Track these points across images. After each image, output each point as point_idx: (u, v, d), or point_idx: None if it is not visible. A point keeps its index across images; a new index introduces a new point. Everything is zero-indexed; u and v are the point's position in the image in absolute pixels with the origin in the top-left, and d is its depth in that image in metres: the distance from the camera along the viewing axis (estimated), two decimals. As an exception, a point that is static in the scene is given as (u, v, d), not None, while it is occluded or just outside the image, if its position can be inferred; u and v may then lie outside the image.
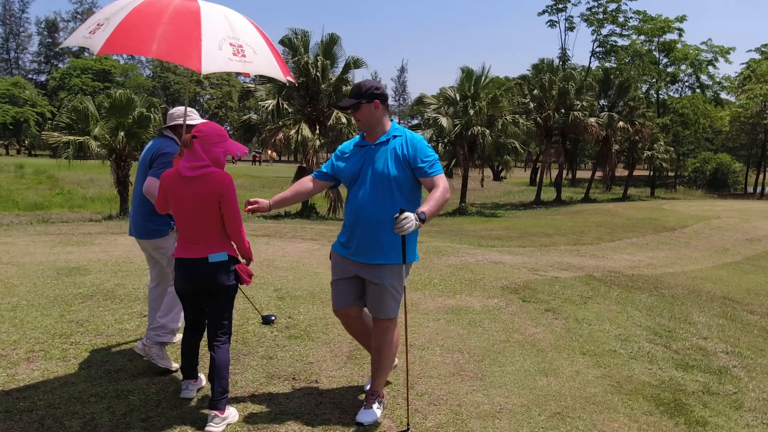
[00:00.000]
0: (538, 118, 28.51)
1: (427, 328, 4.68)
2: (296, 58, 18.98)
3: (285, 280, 6.11)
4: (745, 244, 13.07)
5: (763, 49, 46.47)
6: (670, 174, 45.76)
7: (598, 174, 35.90)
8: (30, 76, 70.44)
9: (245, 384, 3.47)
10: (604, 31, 47.24)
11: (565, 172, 34.84)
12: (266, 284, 5.84)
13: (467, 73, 23.70)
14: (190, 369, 3.24)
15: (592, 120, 28.30)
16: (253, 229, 10.56)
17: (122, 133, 15.83)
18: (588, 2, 61.49)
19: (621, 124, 30.42)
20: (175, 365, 3.54)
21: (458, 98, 23.76)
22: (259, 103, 19.32)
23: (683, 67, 46.01)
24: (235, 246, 3.09)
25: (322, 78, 18.97)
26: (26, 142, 57.86)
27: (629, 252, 10.80)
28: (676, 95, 47.31)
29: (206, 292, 3.02)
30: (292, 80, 3.52)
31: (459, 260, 7.90)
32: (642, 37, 45.45)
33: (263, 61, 3.20)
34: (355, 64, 19.51)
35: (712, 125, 46.30)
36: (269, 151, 38.53)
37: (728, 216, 19.19)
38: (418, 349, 4.19)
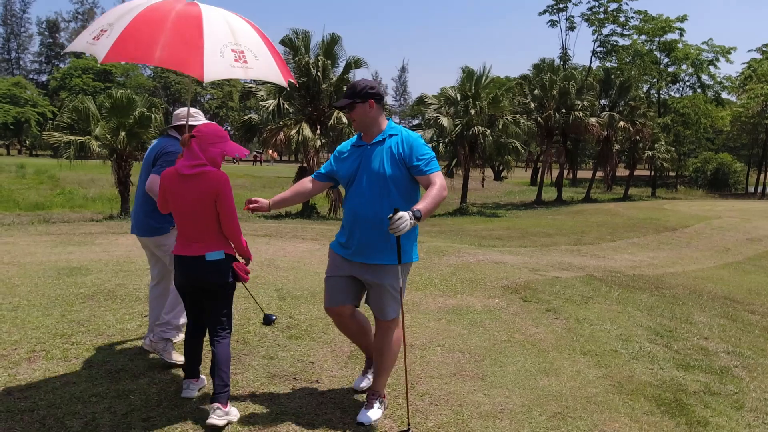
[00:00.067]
0: (539, 118, 28.51)
1: (428, 328, 4.68)
2: (297, 58, 18.99)
3: (286, 280, 6.12)
4: (747, 244, 13.07)
5: (764, 48, 46.42)
6: (671, 174, 45.69)
7: (599, 174, 35.88)
8: (31, 76, 70.54)
9: (246, 384, 3.47)
10: (605, 31, 47.24)
11: (565, 172, 34.87)
12: (267, 284, 5.84)
13: (468, 73, 23.70)
14: (191, 368, 3.25)
15: (593, 120, 28.30)
16: (254, 229, 10.57)
17: (123, 133, 15.84)
18: (589, 2, 61.39)
19: (622, 123, 30.41)
20: (181, 358, 3.56)
21: (459, 98, 23.76)
22: (260, 103, 19.34)
23: (684, 66, 45.97)
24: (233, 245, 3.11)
25: (323, 78, 18.97)
26: (27, 142, 57.95)
27: (630, 252, 10.79)
28: (677, 95, 47.30)
29: (204, 289, 3.07)
30: (293, 81, 3.52)
31: (460, 260, 7.90)
32: (643, 37, 45.40)
33: (264, 65, 3.21)
34: (356, 64, 19.52)
35: (713, 125, 46.27)
36: (270, 151, 38.59)
37: (729, 216, 19.18)
38: (419, 349, 4.19)
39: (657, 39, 44.63)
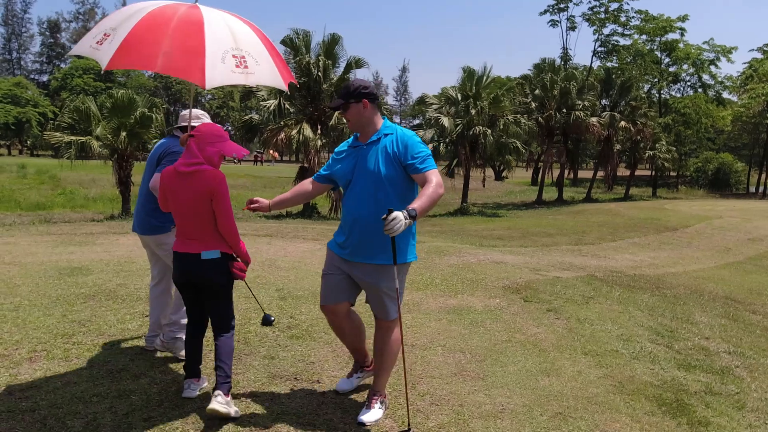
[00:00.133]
0: (540, 118, 28.50)
1: (429, 328, 4.68)
2: (298, 58, 19.00)
3: (287, 280, 6.12)
4: (748, 243, 13.06)
5: (765, 48, 46.29)
6: (672, 174, 45.65)
7: (600, 174, 35.88)
8: (32, 76, 70.61)
9: (247, 384, 3.47)
10: (606, 31, 47.17)
11: (566, 171, 34.84)
12: (268, 284, 5.85)
13: (469, 73, 23.70)
14: (192, 367, 3.25)
15: (594, 120, 28.29)
16: (255, 229, 10.57)
17: (124, 134, 15.87)
18: (590, 2, 61.44)
19: (623, 123, 30.39)
20: None
21: (460, 98, 23.76)
22: (261, 102, 19.35)
23: (685, 66, 45.85)
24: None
25: (324, 78, 18.98)
26: (28, 142, 58.02)
27: (631, 252, 10.79)
28: (678, 95, 47.21)
29: (200, 287, 3.10)
30: (293, 82, 3.52)
31: (461, 260, 7.90)
32: (644, 37, 45.33)
33: (265, 70, 3.21)
34: (357, 64, 19.52)
35: (714, 125, 46.20)
36: (271, 151, 38.55)
37: (730, 216, 19.17)
38: (420, 349, 4.19)
39: (658, 39, 44.55)
